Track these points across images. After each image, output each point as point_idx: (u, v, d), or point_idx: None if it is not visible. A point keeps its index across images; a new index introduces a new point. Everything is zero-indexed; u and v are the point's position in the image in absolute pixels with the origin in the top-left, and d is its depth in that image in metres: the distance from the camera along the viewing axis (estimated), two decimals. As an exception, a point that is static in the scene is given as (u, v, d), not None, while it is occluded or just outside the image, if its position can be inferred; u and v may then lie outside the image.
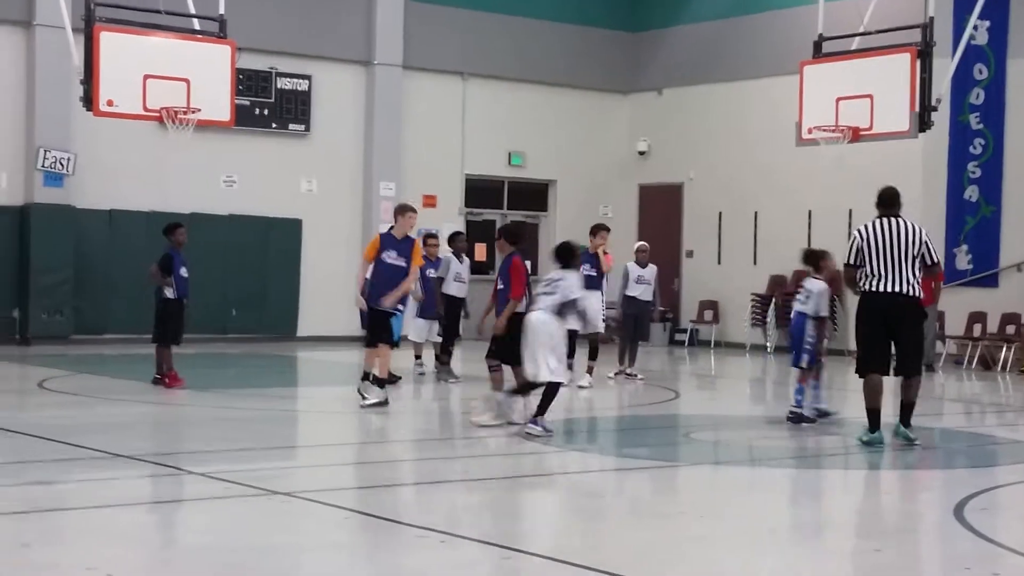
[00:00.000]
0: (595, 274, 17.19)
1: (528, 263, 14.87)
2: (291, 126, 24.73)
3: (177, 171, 23.16)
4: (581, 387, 16.75)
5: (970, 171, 23.28)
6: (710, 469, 11.55)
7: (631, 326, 18.63)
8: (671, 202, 27.52)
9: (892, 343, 12.08)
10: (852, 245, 12.15)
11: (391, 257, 14.39)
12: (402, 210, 14.85)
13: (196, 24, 17.53)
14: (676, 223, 27.39)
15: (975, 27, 19.64)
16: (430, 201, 25.80)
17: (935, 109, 17.00)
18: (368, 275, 14.60)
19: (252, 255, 24.26)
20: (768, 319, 24.95)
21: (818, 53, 18.18)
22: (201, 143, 20.99)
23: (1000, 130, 23.15)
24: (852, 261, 12.12)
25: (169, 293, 15.86)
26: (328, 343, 23.86)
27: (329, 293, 24.21)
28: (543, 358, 11.92)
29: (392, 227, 14.81)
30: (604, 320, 17.99)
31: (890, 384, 12.74)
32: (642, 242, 19.75)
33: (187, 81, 16.74)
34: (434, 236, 18.59)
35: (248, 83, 23.70)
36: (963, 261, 23.20)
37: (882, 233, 11.95)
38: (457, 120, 26.68)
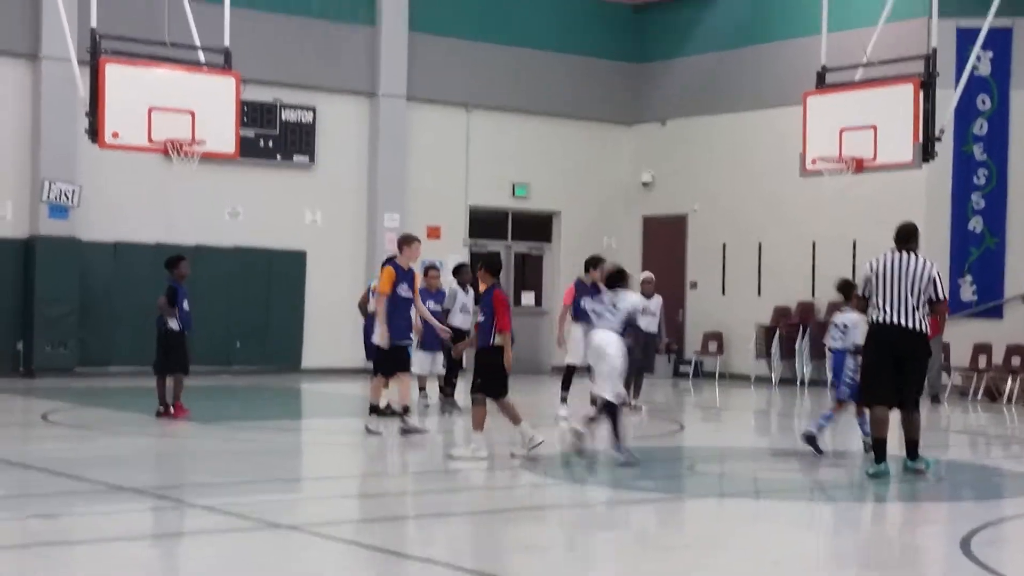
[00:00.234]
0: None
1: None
2: (295, 157, 24.77)
3: (182, 203, 23.20)
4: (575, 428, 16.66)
5: (974, 202, 23.28)
6: (715, 501, 11.51)
7: (636, 358, 18.56)
8: (675, 233, 27.53)
9: (898, 375, 12.06)
10: (864, 276, 12.24)
11: (404, 290, 14.46)
12: (408, 240, 14.86)
13: (201, 56, 17.58)
14: (680, 254, 27.38)
15: (978, 58, 19.69)
16: (434, 232, 25.80)
17: (939, 140, 17.00)
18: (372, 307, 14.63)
19: (256, 287, 24.26)
20: (773, 350, 24.90)
21: (821, 84, 18.21)
22: (206, 175, 21.04)
23: (1004, 161, 23.16)
24: (862, 292, 12.32)
25: (173, 325, 15.87)
26: (332, 375, 23.83)
27: (333, 325, 24.19)
28: (611, 379, 12.69)
29: (395, 257, 14.80)
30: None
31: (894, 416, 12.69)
32: (647, 272, 19.72)
33: (192, 113, 16.79)
34: (435, 268, 18.54)
35: (253, 115, 23.75)
36: (967, 292, 23.18)
37: (892, 266, 11.99)
38: (461, 151, 26.73)
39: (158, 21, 18.39)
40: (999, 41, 22.41)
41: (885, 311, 11.95)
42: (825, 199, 22.15)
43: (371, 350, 16.24)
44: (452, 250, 25.70)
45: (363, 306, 17.54)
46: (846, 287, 14.01)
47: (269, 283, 24.44)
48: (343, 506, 10.68)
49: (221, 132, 17.12)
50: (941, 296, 12.06)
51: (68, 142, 21.98)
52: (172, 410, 15.82)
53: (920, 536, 10.09)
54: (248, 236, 24.21)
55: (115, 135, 16.50)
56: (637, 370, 18.59)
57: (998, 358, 22.42)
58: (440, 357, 17.66)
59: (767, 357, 25.13)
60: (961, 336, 22.45)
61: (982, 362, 22.54)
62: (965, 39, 20.59)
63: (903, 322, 11.89)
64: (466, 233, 26.78)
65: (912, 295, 11.91)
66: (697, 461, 13.99)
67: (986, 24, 17.52)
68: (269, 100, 24.30)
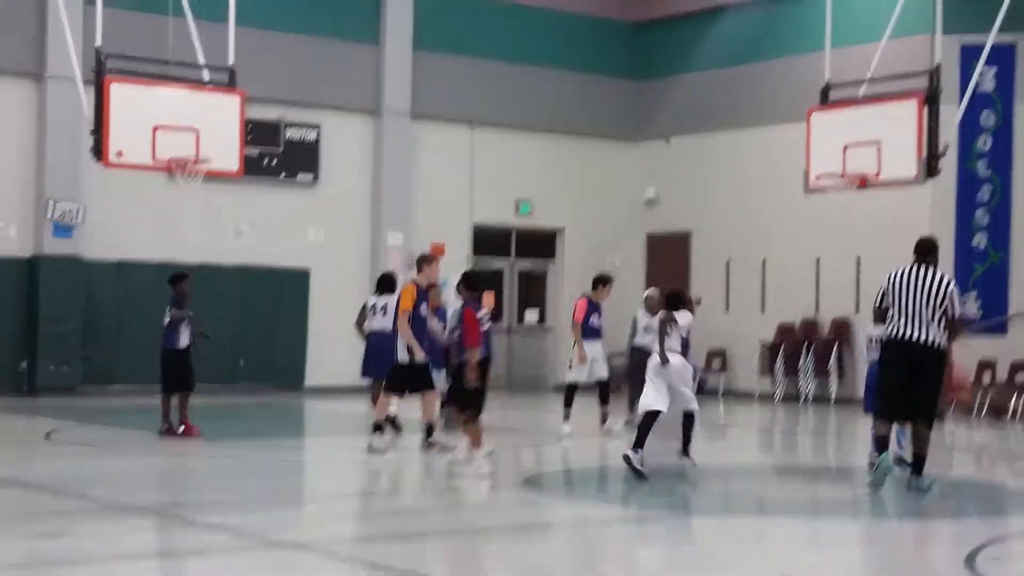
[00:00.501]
0: (600, 324, 17.52)
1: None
2: (299, 176, 24.79)
3: (186, 222, 23.22)
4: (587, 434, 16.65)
5: (978, 218, 23.26)
6: (719, 519, 11.48)
7: (639, 375, 18.50)
8: (679, 250, 27.50)
9: (911, 389, 12.01)
10: (880, 288, 12.19)
11: (423, 309, 14.51)
12: (428, 260, 14.95)
13: (206, 75, 17.59)
14: (684, 271, 27.35)
15: (982, 74, 19.68)
16: (438, 250, 25.77)
17: (943, 156, 16.97)
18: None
19: (260, 305, 24.26)
20: (776, 367, 24.86)
21: (825, 100, 18.19)
22: (210, 194, 21.07)
23: (1008, 176, 23.15)
24: (879, 304, 12.25)
25: (185, 339, 15.88)
26: (336, 393, 23.80)
27: (337, 343, 24.15)
28: (692, 394, 13.71)
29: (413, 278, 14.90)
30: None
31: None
32: (653, 288, 19.65)
33: (196, 131, 16.78)
34: (435, 286, 18.49)
35: (257, 133, 23.70)
36: (972, 308, 23.14)
37: (908, 279, 11.96)
38: (465, 168, 26.74)
39: (162, 40, 18.45)
40: (1003, 57, 22.42)
41: (900, 324, 11.92)
42: (829, 216, 22.13)
43: (371, 367, 16.27)
44: (456, 267, 25.60)
45: (360, 324, 17.53)
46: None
47: (273, 302, 24.43)
48: (345, 524, 10.67)
49: (225, 151, 17.10)
50: (955, 312, 12.02)
51: (72, 161, 22.01)
52: (181, 429, 15.81)
53: (925, 553, 10.07)
54: (252, 255, 24.21)
55: (119, 154, 16.50)
56: (641, 388, 18.51)
57: (1002, 374, 22.35)
58: (443, 374, 17.65)
59: (771, 374, 25.09)
60: (965, 353, 22.36)
61: (986, 379, 22.49)
62: (969, 55, 20.60)
63: (917, 335, 11.86)
64: (470, 250, 26.78)
65: (927, 308, 11.86)
66: (701, 479, 13.94)
67: (990, 40, 17.51)
68: (273, 118, 24.32)
